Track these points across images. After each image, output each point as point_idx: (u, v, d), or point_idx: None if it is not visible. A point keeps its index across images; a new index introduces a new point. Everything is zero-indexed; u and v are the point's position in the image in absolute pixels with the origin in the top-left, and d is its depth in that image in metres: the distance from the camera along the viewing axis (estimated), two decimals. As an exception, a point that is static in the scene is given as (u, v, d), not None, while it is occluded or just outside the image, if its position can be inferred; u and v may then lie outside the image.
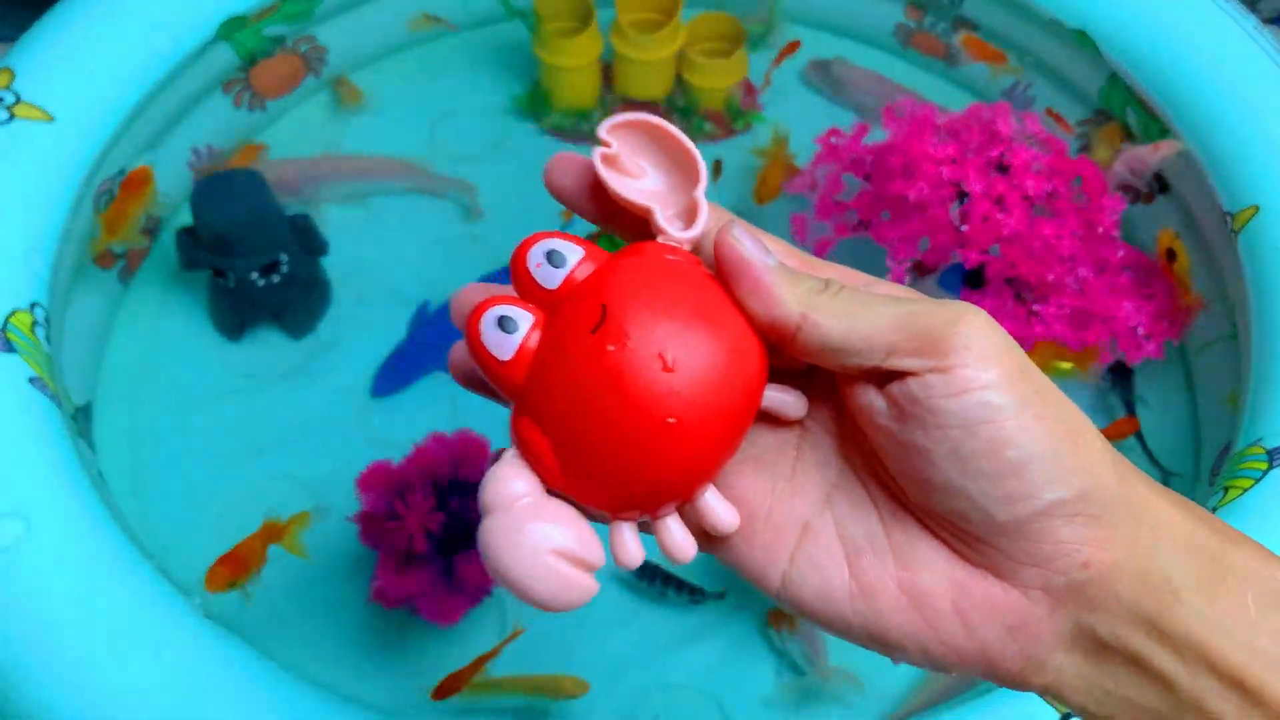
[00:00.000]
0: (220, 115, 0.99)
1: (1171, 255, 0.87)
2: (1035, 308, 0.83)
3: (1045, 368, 0.84)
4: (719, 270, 0.31)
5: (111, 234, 0.86)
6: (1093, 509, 0.29)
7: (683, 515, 0.32)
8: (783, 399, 0.33)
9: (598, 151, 0.32)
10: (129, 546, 0.63)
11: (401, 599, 0.70)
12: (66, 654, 0.57)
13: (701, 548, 0.33)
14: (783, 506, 0.33)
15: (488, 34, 1.12)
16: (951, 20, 1.07)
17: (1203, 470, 0.82)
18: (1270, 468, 0.66)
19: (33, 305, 0.72)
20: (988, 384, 0.28)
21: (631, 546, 0.32)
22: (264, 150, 1.03)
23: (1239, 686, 0.29)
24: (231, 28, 0.92)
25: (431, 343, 0.91)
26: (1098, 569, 0.29)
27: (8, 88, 0.80)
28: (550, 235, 0.32)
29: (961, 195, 0.84)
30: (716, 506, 0.32)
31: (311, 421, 0.87)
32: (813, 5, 1.12)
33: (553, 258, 0.31)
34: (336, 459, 0.82)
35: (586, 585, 0.30)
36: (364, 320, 0.93)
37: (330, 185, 1.00)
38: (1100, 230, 0.84)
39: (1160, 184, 0.94)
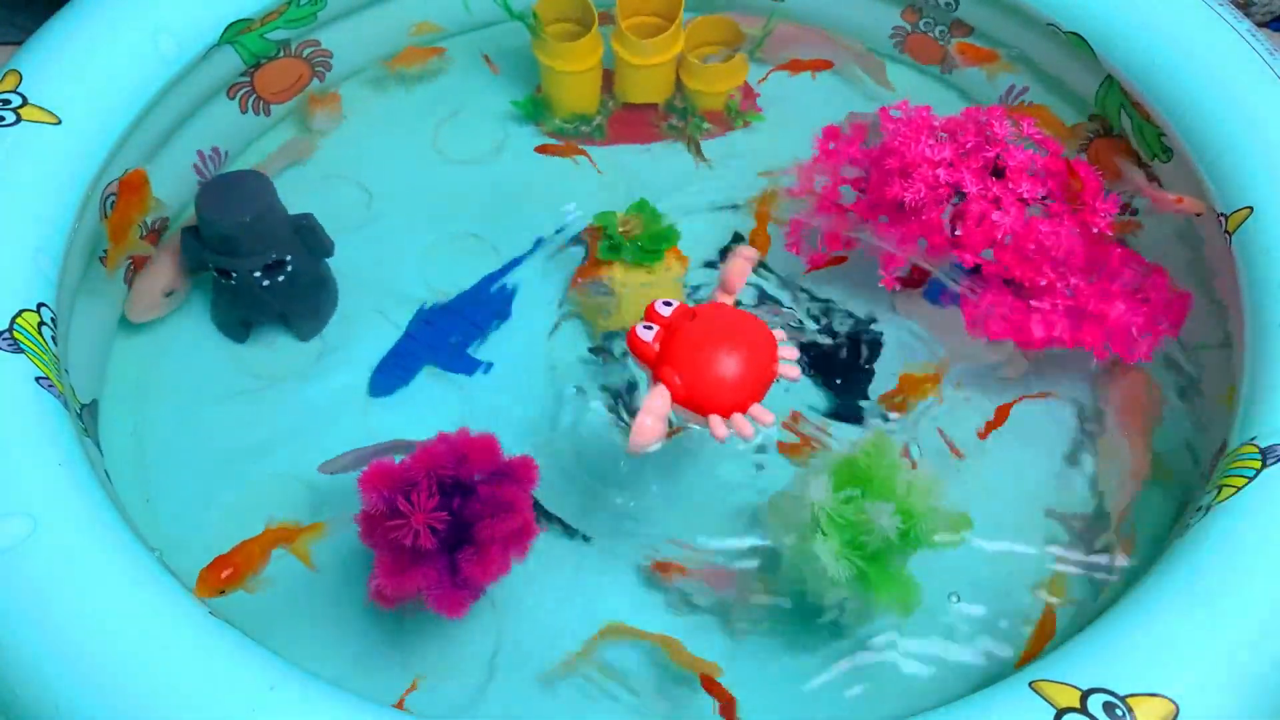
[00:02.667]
0: (225, 119, 1.00)
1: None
2: (1033, 303, 0.83)
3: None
4: None
5: (118, 241, 0.86)
6: None
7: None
8: (787, 369, 0.74)
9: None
10: (134, 544, 0.64)
11: (401, 598, 0.71)
12: (73, 650, 0.58)
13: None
14: None
15: (489, 38, 1.13)
16: (948, 23, 1.07)
17: (1198, 469, 0.83)
18: (1264, 466, 0.66)
19: (39, 305, 0.73)
20: None
21: (720, 430, 0.70)
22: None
23: None
24: (236, 32, 0.93)
25: (426, 339, 0.91)
26: None
27: (15, 90, 0.81)
28: (666, 300, 0.74)
29: (957, 197, 0.85)
30: (741, 423, 0.70)
31: (315, 421, 0.88)
32: (809, 8, 1.12)
33: (668, 304, 0.73)
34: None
35: (656, 436, 0.69)
36: (368, 321, 0.94)
37: None
38: (1095, 231, 0.85)
39: (1158, 185, 0.95)
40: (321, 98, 1.06)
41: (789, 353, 0.74)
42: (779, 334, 0.75)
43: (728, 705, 0.72)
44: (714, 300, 0.76)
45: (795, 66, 1.09)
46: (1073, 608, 0.78)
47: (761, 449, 0.86)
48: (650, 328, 0.72)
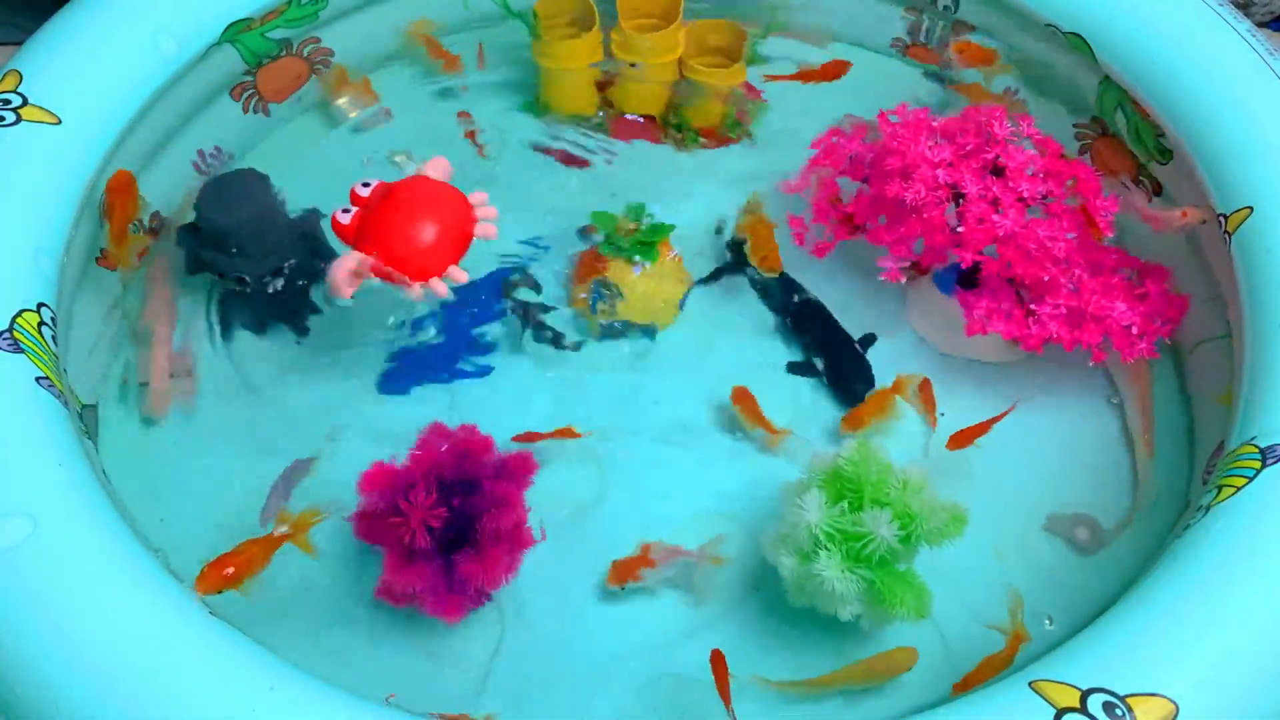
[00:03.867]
0: (226, 118, 1.00)
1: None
2: (1032, 306, 0.84)
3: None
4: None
5: (120, 244, 0.87)
6: None
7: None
8: (484, 229, 0.83)
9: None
10: (135, 544, 0.64)
11: (407, 596, 0.71)
12: (73, 650, 0.58)
13: None
14: None
15: (489, 37, 1.13)
16: (949, 25, 1.07)
17: (1196, 469, 0.83)
18: (1263, 466, 0.66)
19: (39, 305, 0.73)
20: None
21: (415, 293, 0.80)
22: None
23: None
24: (236, 31, 0.93)
25: (443, 350, 0.92)
26: None
27: (15, 90, 0.81)
28: (365, 181, 0.82)
29: (958, 197, 0.85)
30: (435, 284, 0.80)
31: (316, 420, 0.88)
32: (808, 11, 1.12)
33: (367, 185, 0.82)
34: (341, 457, 0.83)
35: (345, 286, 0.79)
36: (368, 321, 0.94)
37: None
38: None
39: (1155, 186, 0.95)
40: (354, 83, 1.07)
41: (487, 212, 0.82)
42: (478, 196, 0.83)
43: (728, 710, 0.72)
44: (414, 174, 0.84)
45: (806, 76, 1.08)
46: (1072, 608, 0.78)
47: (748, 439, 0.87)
48: (349, 210, 0.80)
